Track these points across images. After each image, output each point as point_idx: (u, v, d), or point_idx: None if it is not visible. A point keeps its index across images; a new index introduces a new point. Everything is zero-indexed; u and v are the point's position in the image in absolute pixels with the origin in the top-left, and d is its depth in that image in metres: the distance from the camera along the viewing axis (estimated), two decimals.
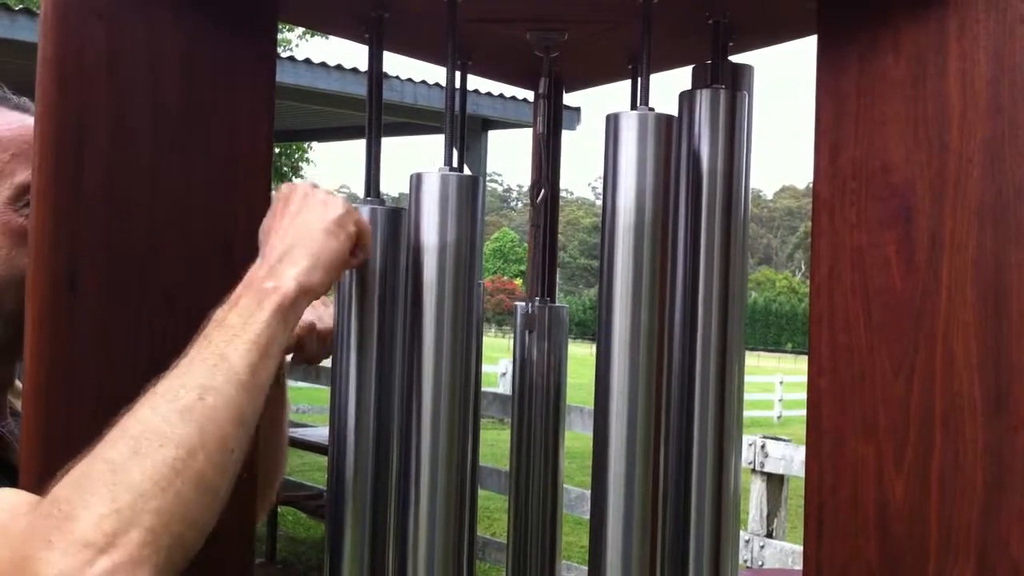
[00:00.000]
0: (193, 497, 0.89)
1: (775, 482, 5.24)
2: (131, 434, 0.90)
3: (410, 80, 7.43)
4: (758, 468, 5.20)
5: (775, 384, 20.66)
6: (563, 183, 1.64)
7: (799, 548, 4.62)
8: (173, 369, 0.96)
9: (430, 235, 1.22)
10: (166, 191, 1.20)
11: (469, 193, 1.23)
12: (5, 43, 5.52)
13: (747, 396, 1.38)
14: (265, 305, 1.02)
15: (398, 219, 1.29)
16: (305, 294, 1.06)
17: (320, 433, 7.29)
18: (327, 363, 1.29)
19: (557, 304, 1.59)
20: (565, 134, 1.67)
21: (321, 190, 1.15)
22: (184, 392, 0.93)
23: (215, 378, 0.95)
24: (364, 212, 1.29)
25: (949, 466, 1.08)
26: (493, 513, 8.01)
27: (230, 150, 1.27)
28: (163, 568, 0.87)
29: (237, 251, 1.27)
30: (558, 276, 1.66)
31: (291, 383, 1.71)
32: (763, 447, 5.17)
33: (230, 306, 1.02)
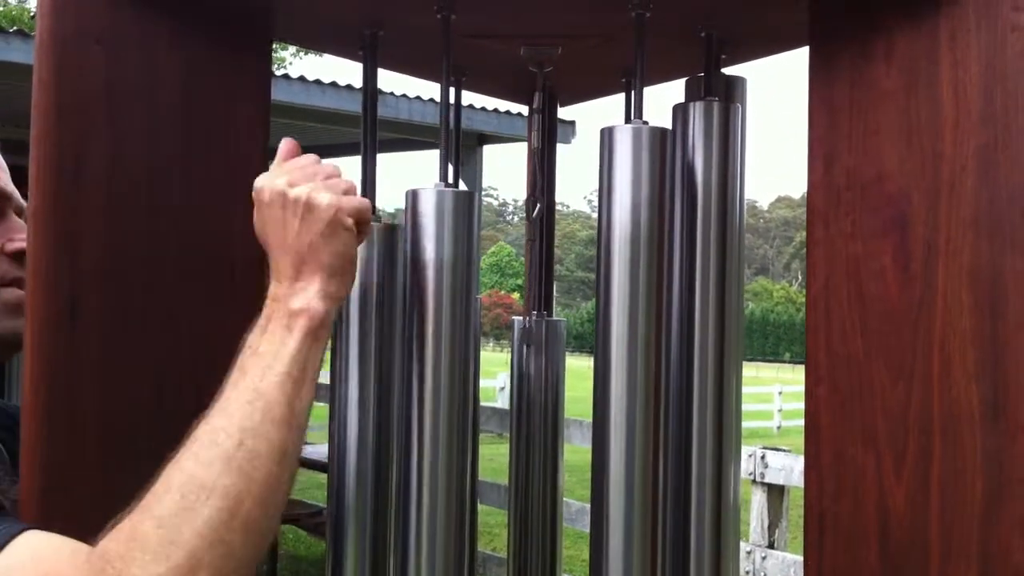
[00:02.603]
0: (243, 543, 0.90)
1: (775, 493, 5.23)
2: (176, 487, 0.90)
3: (404, 96, 7.43)
4: (758, 479, 5.19)
5: (774, 394, 20.63)
6: (559, 196, 1.64)
7: (801, 558, 4.60)
8: (213, 407, 0.95)
9: (427, 251, 1.22)
10: (165, 214, 1.20)
11: (465, 208, 1.24)
12: None
13: (746, 407, 1.38)
14: (295, 331, 1.00)
15: (394, 235, 1.29)
16: (332, 306, 1.04)
17: (319, 450, 7.26)
18: (325, 379, 1.29)
19: (554, 318, 1.59)
20: (560, 148, 1.67)
21: (299, 189, 1.05)
22: (224, 437, 0.92)
23: (253, 418, 0.94)
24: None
25: (949, 473, 1.08)
26: (493, 528, 7.99)
27: (227, 171, 1.28)
28: None
29: (237, 272, 1.27)
30: (555, 289, 1.66)
31: None
32: (763, 458, 5.16)
33: (260, 331, 1.01)
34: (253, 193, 1.08)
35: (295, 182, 1.06)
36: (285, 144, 1.13)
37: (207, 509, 0.89)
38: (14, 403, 1.16)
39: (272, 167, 1.10)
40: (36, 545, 0.91)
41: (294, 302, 1.02)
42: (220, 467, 0.91)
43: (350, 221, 1.06)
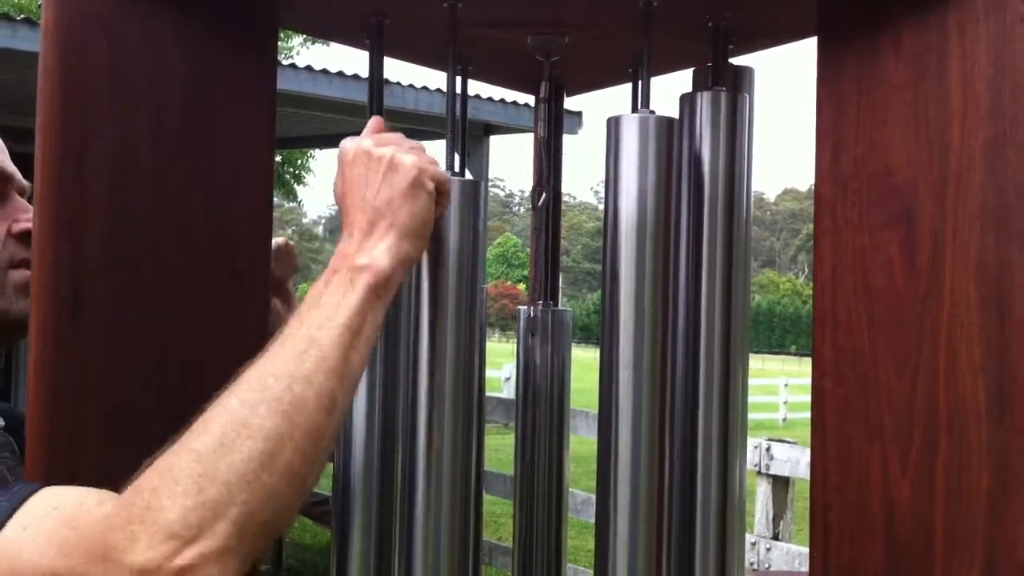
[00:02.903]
0: (281, 488, 0.89)
1: (781, 484, 5.23)
2: (218, 425, 0.89)
3: (411, 86, 7.43)
4: (764, 470, 5.19)
5: (779, 387, 20.63)
6: (565, 187, 1.64)
7: (805, 550, 4.61)
8: (266, 352, 0.95)
9: (433, 240, 1.22)
10: (169, 202, 1.19)
11: (471, 198, 1.23)
12: (6, 53, 5.52)
13: (752, 399, 1.38)
14: (358, 285, 1.00)
15: None
16: (400, 266, 1.04)
17: None
18: None
19: (560, 308, 1.59)
20: (567, 138, 1.67)
21: (384, 148, 1.08)
22: (273, 381, 0.91)
23: (304, 365, 0.93)
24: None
25: (954, 468, 1.08)
26: (499, 518, 8.00)
27: (232, 160, 1.27)
28: (247, 555, 0.87)
29: (241, 264, 1.27)
30: (561, 280, 1.65)
31: None
32: (768, 449, 5.17)
33: (324, 283, 1.01)
34: (338, 154, 1.10)
35: (382, 143, 1.08)
36: (373, 120, 1.16)
37: (246, 449, 0.87)
38: (20, 409, 1.17)
39: (361, 136, 1.12)
40: (55, 497, 0.90)
41: (361, 258, 1.02)
42: (265, 410, 0.90)
43: (431, 185, 1.08)
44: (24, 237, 1.14)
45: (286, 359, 0.93)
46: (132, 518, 0.84)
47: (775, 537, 5.20)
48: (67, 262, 1.07)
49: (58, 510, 0.89)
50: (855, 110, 1.17)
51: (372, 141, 1.09)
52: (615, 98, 1.55)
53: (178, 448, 0.88)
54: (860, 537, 1.16)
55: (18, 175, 1.20)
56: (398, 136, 1.11)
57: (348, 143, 1.10)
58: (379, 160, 1.07)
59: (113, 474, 0.91)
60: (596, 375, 1.24)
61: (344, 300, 0.98)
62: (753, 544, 5.10)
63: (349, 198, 1.07)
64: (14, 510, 0.89)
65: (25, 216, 1.17)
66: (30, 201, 1.17)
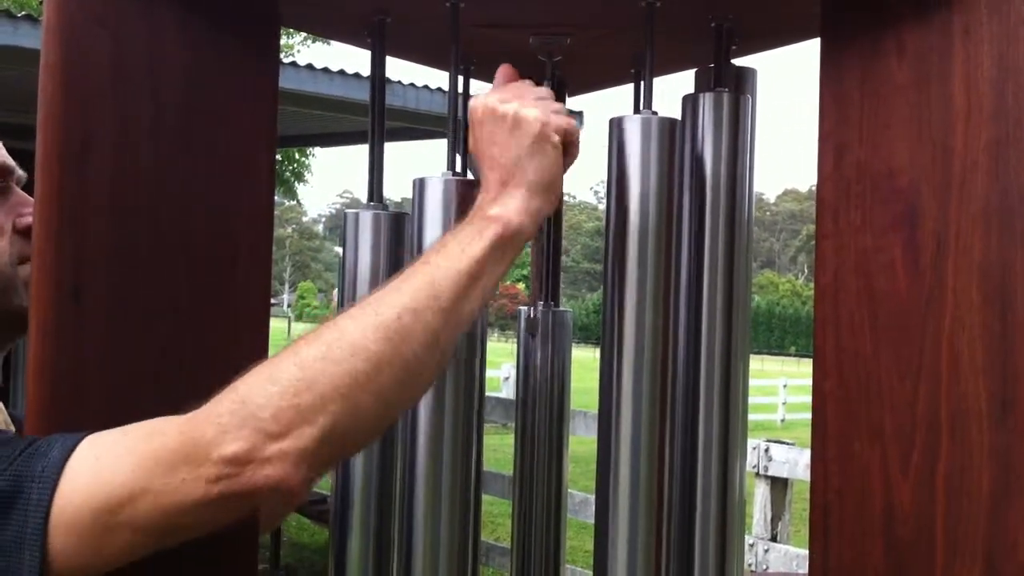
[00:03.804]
0: (371, 409, 0.93)
1: (779, 486, 5.23)
2: (326, 339, 0.93)
3: (412, 85, 7.42)
4: (762, 472, 5.19)
5: (778, 387, 20.65)
6: (565, 187, 1.64)
7: (803, 552, 4.61)
8: (387, 284, 0.99)
9: (433, 240, 1.22)
10: (170, 199, 1.19)
11: (472, 198, 1.23)
12: (7, 50, 5.52)
13: (751, 399, 1.38)
14: (486, 235, 1.02)
15: (401, 224, 1.29)
16: (531, 221, 1.05)
17: None
18: None
19: (561, 308, 1.59)
20: None
21: (508, 105, 1.09)
22: (386, 309, 0.95)
23: (418, 300, 0.96)
24: (367, 217, 1.29)
25: (955, 470, 1.08)
26: (496, 518, 8.01)
27: (234, 157, 1.27)
28: (322, 465, 0.92)
29: (242, 259, 1.27)
30: (561, 280, 1.65)
31: None
32: (767, 451, 5.17)
33: (455, 232, 1.04)
34: (468, 113, 1.12)
35: (506, 99, 1.09)
36: (502, 69, 1.18)
37: (347, 365, 0.92)
38: (20, 414, 1.16)
39: (490, 90, 1.14)
40: (117, 430, 0.93)
41: (492, 209, 1.04)
42: (372, 333, 0.93)
43: (556, 138, 1.08)
44: (29, 232, 1.14)
45: (402, 292, 0.97)
46: (223, 412, 0.89)
47: (773, 538, 5.20)
48: (68, 259, 1.07)
49: (129, 434, 0.92)
50: (858, 112, 1.17)
51: (497, 97, 1.10)
52: (615, 98, 1.54)
53: (284, 355, 0.93)
54: (860, 539, 1.16)
55: (17, 167, 1.21)
56: (524, 86, 1.13)
57: (475, 101, 1.12)
58: (503, 117, 1.08)
59: None
60: (595, 375, 1.24)
61: (469, 247, 1.01)
62: (751, 545, 5.10)
63: (481, 157, 1.09)
64: (76, 445, 0.91)
65: (28, 210, 1.17)
66: (28, 191, 1.17)
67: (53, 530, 0.88)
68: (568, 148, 1.10)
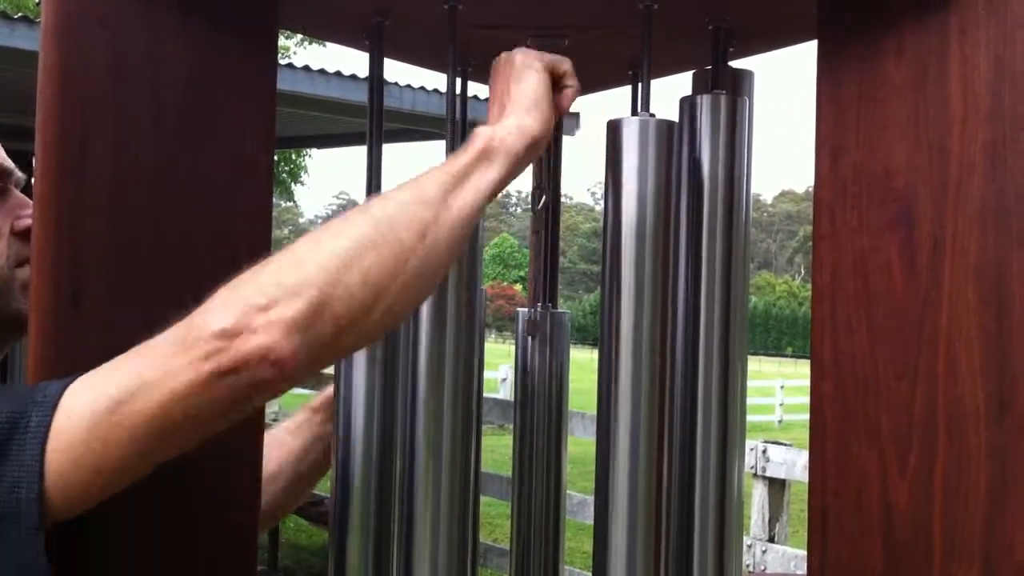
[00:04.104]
0: (356, 289, 0.95)
1: (777, 487, 5.24)
2: (317, 232, 1.00)
3: (409, 86, 7.43)
4: (759, 473, 5.20)
5: (776, 388, 20.66)
6: (562, 188, 1.64)
7: (801, 552, 4.62)
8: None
9: None
10: (169, 201, 1.19)
11: None
12: (4, 51, 5.52)
13: (748, 400, 1.38)
14: (471, 147, 1.08)
15: None
16: (518, 136, 1.10)
17: None
18: (329, 370, 1.29)
19: (559, 311, 1.59)
20: (564, 139, 1.67)
21: (504, 54, 1.19)
22: (372, 203, 1.03)
23: (402, 195, 1.02)
24: None
25: (953, 470, 1.08)
26: (494, 519, 8.01)
27: (232, 158, 1.27)
28: (319, 342, 0.94)
29: (241, 259, 1.27)
30: (558, 281, 1.65)
31: (292, 390, 1.72)
32: (764, 452, 5.17)
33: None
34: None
35: (512, 56, 1.19)
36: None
37: (333, 246, 0.96)
38: None
39: None
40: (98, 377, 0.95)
41: (482, 129, 1.11)
42: (358, 219, 0.99)
43: (539, 64, 1.16)
44: (27, 234, 1.15)
45: (390, 196, 1.03)
46: (213, 301, 0.94)
47: (771, 539, 5.20)
48: (67, 261, 1.07)
49: (127, 354, 0.96)
50: (855, 113, 1.18)
51: (504, 56, 1.19)
52: (612, 99, 1.55)
53: (279, 252, 0.99)
54: (858, 539, 1.16)
55: (16, 169, 1.21)
56: (537, 53, 1.20)
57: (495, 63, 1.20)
58: (499, 62, 1.19)
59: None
60: (592, 376, 1.24)
61: (455, 158, 1.08)
62: (749, 546, 5.11)
63: (492, 107, 1.17)
64: (76, 379, 0.95)
65: (26, 212, 1.17)
66: (27, 192, 1.17)
67: (51, 453, 0.91)
68: (562, 79, 1.18)
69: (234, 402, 0.93)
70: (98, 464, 0.92)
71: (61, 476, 0.91)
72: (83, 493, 0.93)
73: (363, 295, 0.95)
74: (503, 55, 1.19)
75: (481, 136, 1.09)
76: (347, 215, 1.01)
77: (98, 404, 0.91)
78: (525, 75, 1.15)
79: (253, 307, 0.92)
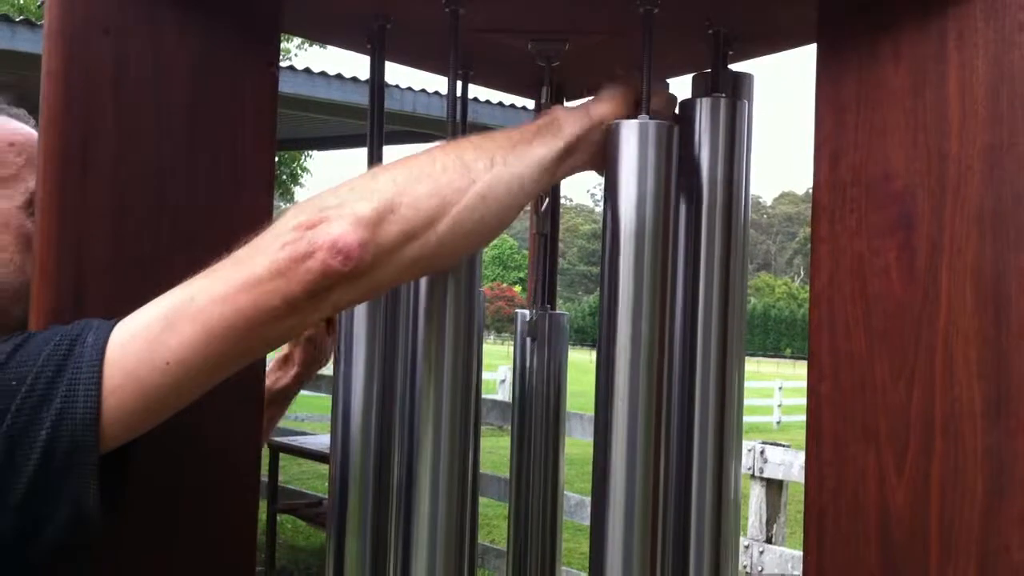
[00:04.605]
0: (424, 198, 1.03)
1: (774, 488, 5.24)
2: (383, 165, 1.11)
3: (410, 89, 7.43)
4: (757, 474, 5.20)
5: (774, 389, 20.66)
6: (562, 190, 1.64)
7: (798, 553, 4.62)
8: None
9: None
10: (171, 204, 1.20)
11: None
12: (5, 55, 5.51)
13: (746, 401, 1.38)
14: (533, 124, 1.17)
15: None
16: (583, 120, 1.19)
17: (319, 441, 7.29)
18: (328, 371, 1.30)
19: (558, 312, 1.59)
20: None
21: None
22: (437, 146, 1.11)
23: (461, 143, 1.11)
24: None
25: (950, 472, 1.09)
26: (492, 520, 8.01)
27: (234, 162, 1.28)
28: (379, 252, 0.99)
29: None
30: (557, 283, 1.66)
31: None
32: (762, 453, 5.18)
33: None
34: None
35: None
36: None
37: (402, 165, 1.06)
38: None
39: None
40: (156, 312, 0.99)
41: (555, 107, 1.22)
42: (423, 156, 1.08)
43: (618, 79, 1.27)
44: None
45: (455, 141, 1.13)
46: (287, 212, 1.00)
47: (768, 540, 5.21)
48: (70, 263, 1.08)
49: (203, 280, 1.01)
50: (854, 117, 1.18)
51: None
52: None
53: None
54: (855, 541, 1.17)
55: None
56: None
57: None
58: None
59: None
60: (590, 377, 1.25)
61: (516, 130, 1.16)
62: (746, 547, 5.11)
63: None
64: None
65: None
66: None
67: (108, 367, 0.94)
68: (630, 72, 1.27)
69: (307, 294, 0.96)
70: (155, 376, 0.95)
71: (117, 390, 0.94)
72: (143, 400, 0.95)
73: (428, 205, 1.02)
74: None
75: (547, 114, 1.18)
76: (410, 155, 1.08)
77: (162, 305, 0.97)
78: (608, 86, 1.25)
79: (328, 205, 0.99)
